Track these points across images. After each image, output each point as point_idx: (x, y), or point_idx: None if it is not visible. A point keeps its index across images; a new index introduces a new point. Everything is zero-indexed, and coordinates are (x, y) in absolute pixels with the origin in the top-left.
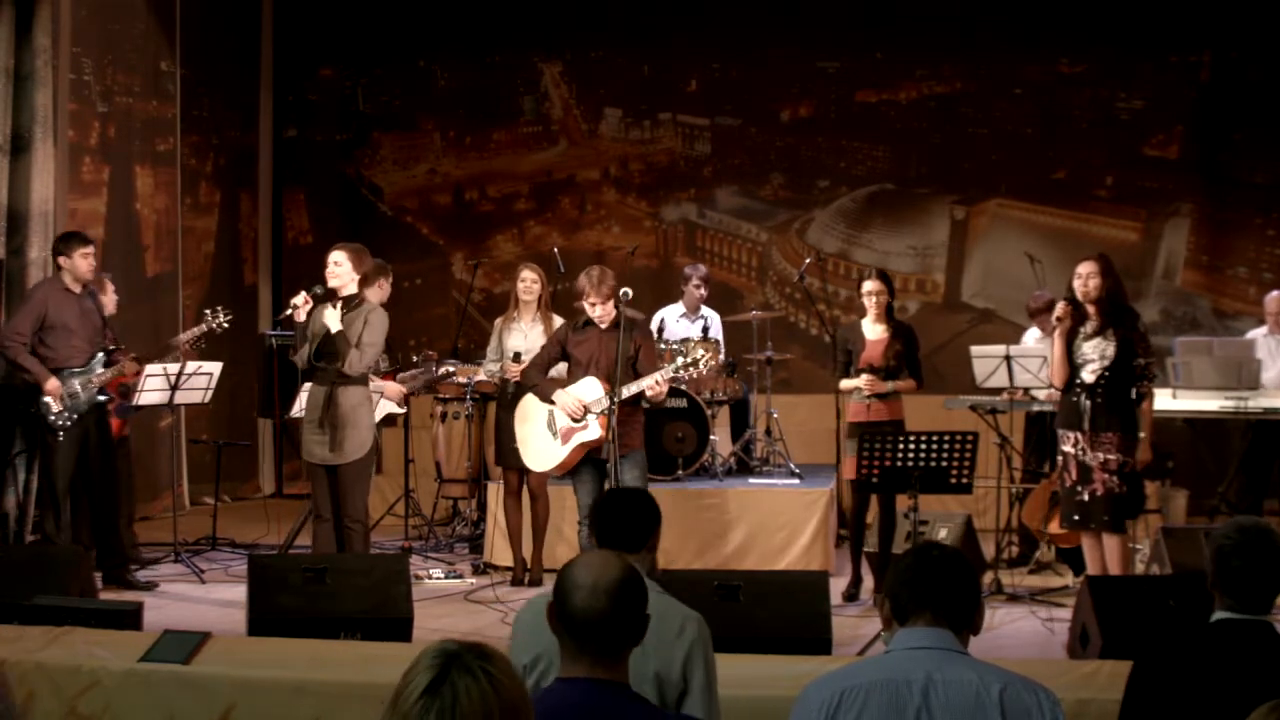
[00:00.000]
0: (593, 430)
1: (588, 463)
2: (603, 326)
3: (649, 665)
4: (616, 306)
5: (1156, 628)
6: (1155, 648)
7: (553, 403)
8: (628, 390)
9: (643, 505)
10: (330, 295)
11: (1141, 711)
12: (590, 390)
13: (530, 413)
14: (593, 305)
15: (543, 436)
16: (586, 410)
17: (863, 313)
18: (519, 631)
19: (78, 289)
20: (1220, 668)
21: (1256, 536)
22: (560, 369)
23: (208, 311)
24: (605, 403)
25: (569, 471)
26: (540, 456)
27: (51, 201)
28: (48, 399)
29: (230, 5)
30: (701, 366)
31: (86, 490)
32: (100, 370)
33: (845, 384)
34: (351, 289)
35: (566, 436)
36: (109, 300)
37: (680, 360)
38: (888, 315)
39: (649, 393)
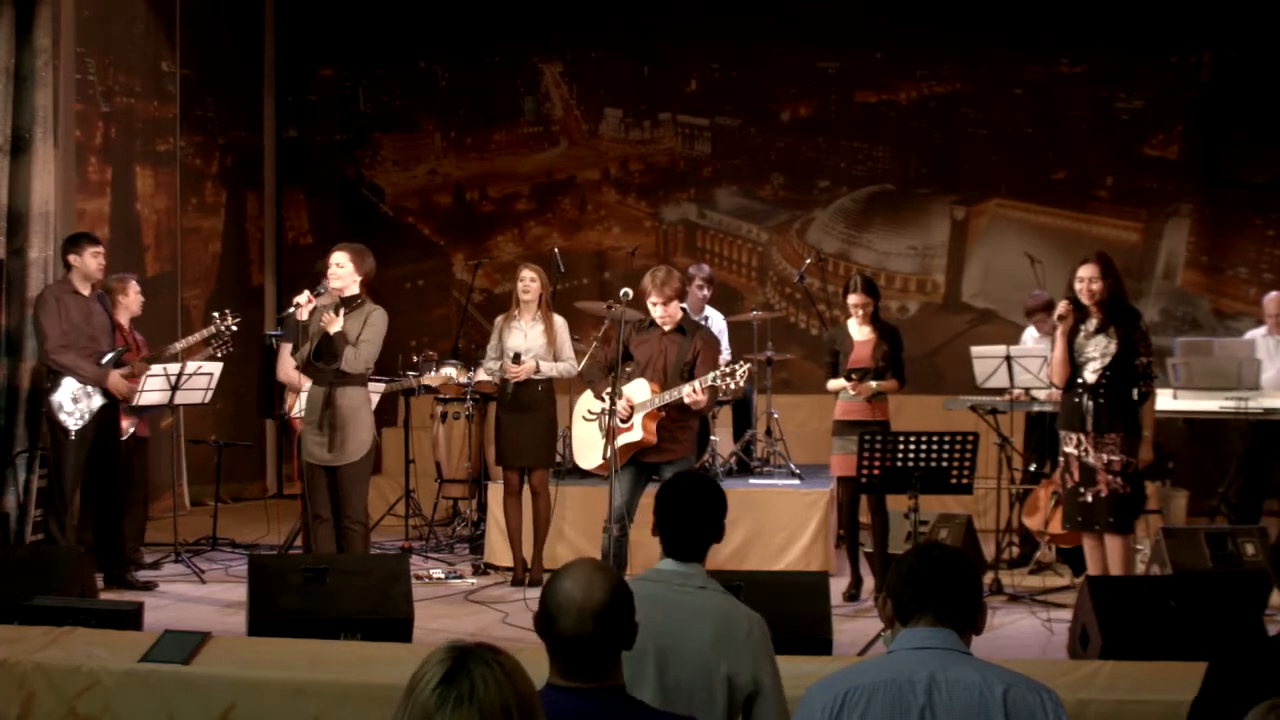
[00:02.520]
0: (637, 432)
1: (630, 465)
2: (665, 329)
3: (720, 667)
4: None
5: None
6: (1226, 650)
7: (603, 400)
8: (665, 397)
9: (709, 512)
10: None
11: (1212, 714)
12: (639, 391)
13: (584, 412)
14: (654, 305)
15: (593, 434)
16: (633, 411)
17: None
18: None
19: (86, 290)
20: None
21: None
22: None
23: (215, 315)
24: (653, 404)
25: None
26: (587, 454)
27: (52, 202)
28: (64, 396)
29: (231, 5)
30: (739, 378)
31: (91, 490)
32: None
33: (832, 384)
34: (353, 289)
35: (612, 436)
36: (133, 301)
37: (720, 368)
38: (873, 318)
39: (687, 400)
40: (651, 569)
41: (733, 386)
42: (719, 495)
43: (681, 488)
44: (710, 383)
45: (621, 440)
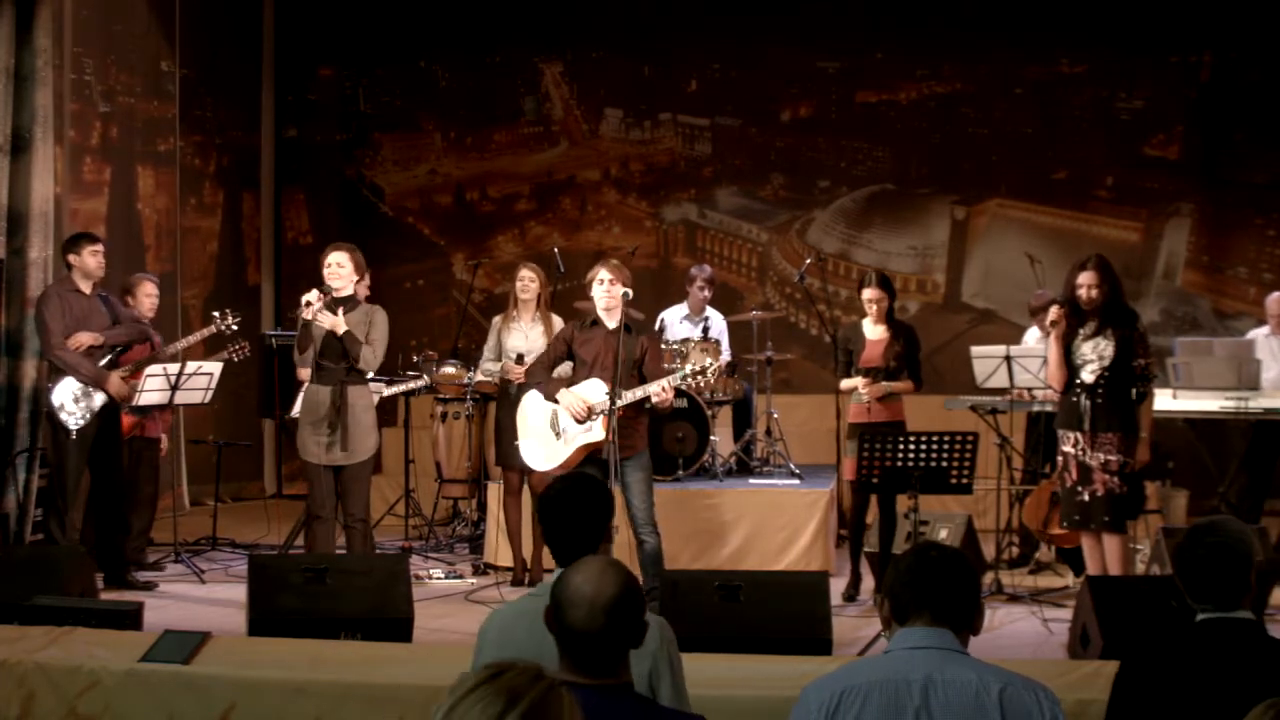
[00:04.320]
0: (596, 432)
1: (590, 464)
2: (610, 325)
3: None
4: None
5: (1146, 629)
6: (1141, 649)
7: (557, 402)
8: (633, 395)
9: (592, 514)
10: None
11: (1127, 712)
12: (595, 391)
13: (533, 412)
14: (601, 282)
15: (545, 436)
16: (591, 411)
17: (864, 313)
18: (485, 646)
19: (88, 289)
20: (1205, 667)
21: (1206, 535)
22: (565, 368)
23: (215, 314)
24: (622, 401)
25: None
26: (542, 457)
27: (51, 201)
28: (58, 398)
29: (231, 5)
30: (709, 375)
31: (92, 490)
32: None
33: (845, 384)
34: (349, 289)
35: (571, 436)
36: (142, 302)
37: (689, 368)
38: (888, 316)
39: (655, 399)
40: (541, 583)
41: (704, 383)
42: (602, 494)
43: (561, 492)
44: (679, 381)
45: (581, 440)
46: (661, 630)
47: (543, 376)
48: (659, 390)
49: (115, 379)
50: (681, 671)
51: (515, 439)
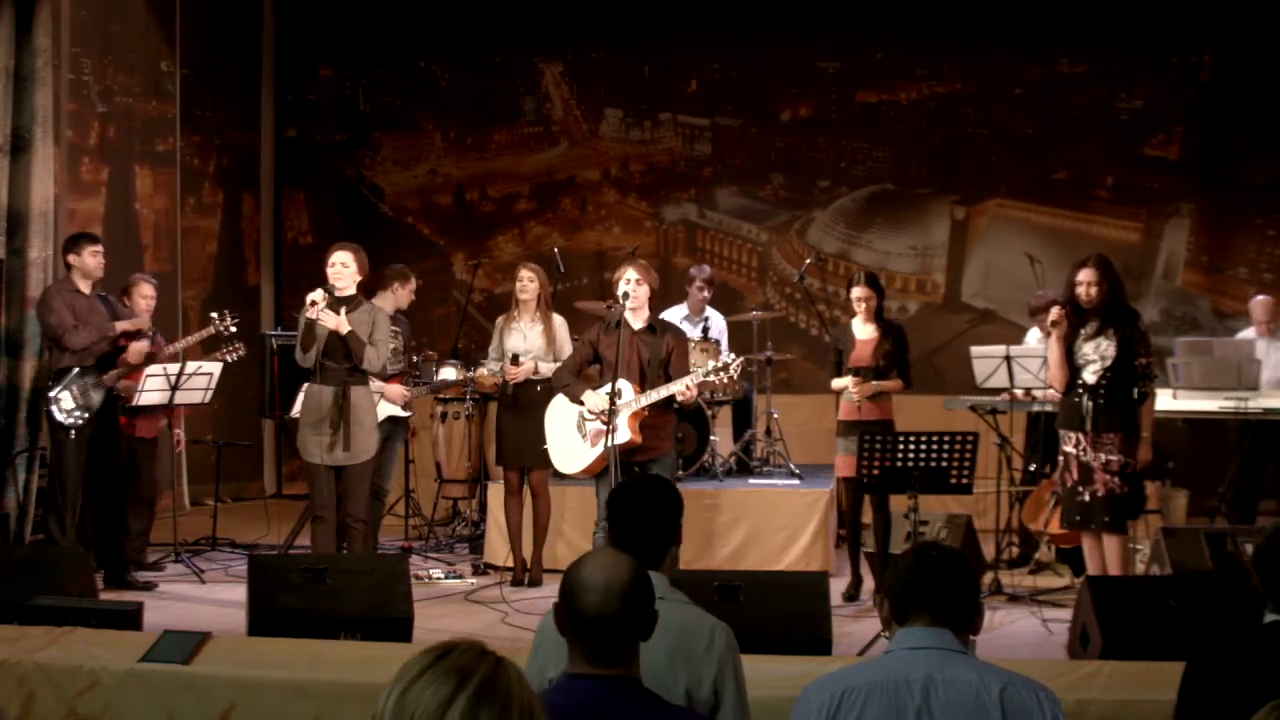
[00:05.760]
0: (622, 433)
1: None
2: (635, 327)
3: (679, 682)
4: (612, 306)
5: (1202, 630)
6: (1207, 650)
7: (582, 404)
8: (657, 394)
9: (661, 511)
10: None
11: (1195, 713)
12: (620, 391)
13: (561, 414)
14: (628, 282)
15: (572, 438)
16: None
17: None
18: (547, 643)
19: (87, 289)
20: (1272, 670)
21: None
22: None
23: (214, 315)
24: (636, 404)
25: (595, 474)
26: (569, 458)
27: (51, 201)
28: (64, 394)
29: (231, 5)
30: (733, 371)
31: (92, 489)
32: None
33: (835, 383)
34: (352, 289)
35: (595, 439)
36: (138, 302)
37: (711, 364)
38: (877, 316)
39: (679, 397)
40: None
41: (726, 380)
42: (673, 496)
43: (633, 491)
44: (703, 377)
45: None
46: (728, 636)
47: (569, 379)
48: (682, 389)
49: (137, 346)
50: (744, 678)
51: (515, 439)
